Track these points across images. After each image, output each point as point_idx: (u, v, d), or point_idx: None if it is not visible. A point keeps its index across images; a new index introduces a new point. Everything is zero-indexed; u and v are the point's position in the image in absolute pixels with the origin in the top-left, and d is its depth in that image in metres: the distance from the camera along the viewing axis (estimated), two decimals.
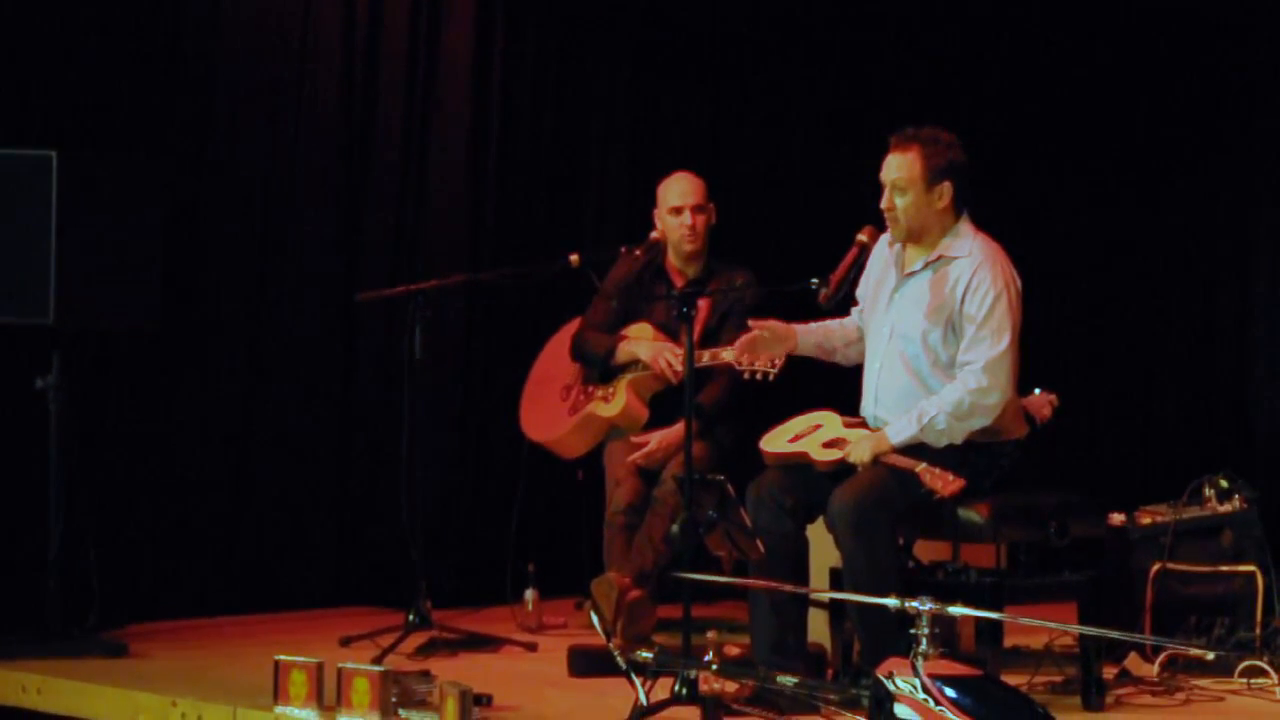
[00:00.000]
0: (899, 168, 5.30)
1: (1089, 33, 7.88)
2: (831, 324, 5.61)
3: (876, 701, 3.96)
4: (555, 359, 6.74)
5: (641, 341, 6.41)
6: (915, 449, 5.21)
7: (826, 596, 5.44)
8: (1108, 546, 5.94)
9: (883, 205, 5.34)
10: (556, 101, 7.63)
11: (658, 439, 6.25)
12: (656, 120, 7.78)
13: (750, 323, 5.49)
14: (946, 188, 5.31)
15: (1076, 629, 5.23)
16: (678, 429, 5.96)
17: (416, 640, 6.00)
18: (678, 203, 6.39)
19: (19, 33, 6.27)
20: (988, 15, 7.95)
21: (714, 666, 4.79)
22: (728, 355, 5.74)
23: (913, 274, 5.39)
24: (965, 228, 5.38)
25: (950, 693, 3.86)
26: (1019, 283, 5.36)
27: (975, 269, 5.29)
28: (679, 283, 6.44)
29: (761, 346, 5.45)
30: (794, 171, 8.01)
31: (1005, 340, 5.26)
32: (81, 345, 6.10)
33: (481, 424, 7.34)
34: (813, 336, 5.56)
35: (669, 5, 7.78)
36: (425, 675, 5.15)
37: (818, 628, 5.60)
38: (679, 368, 6.15)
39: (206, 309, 6.79)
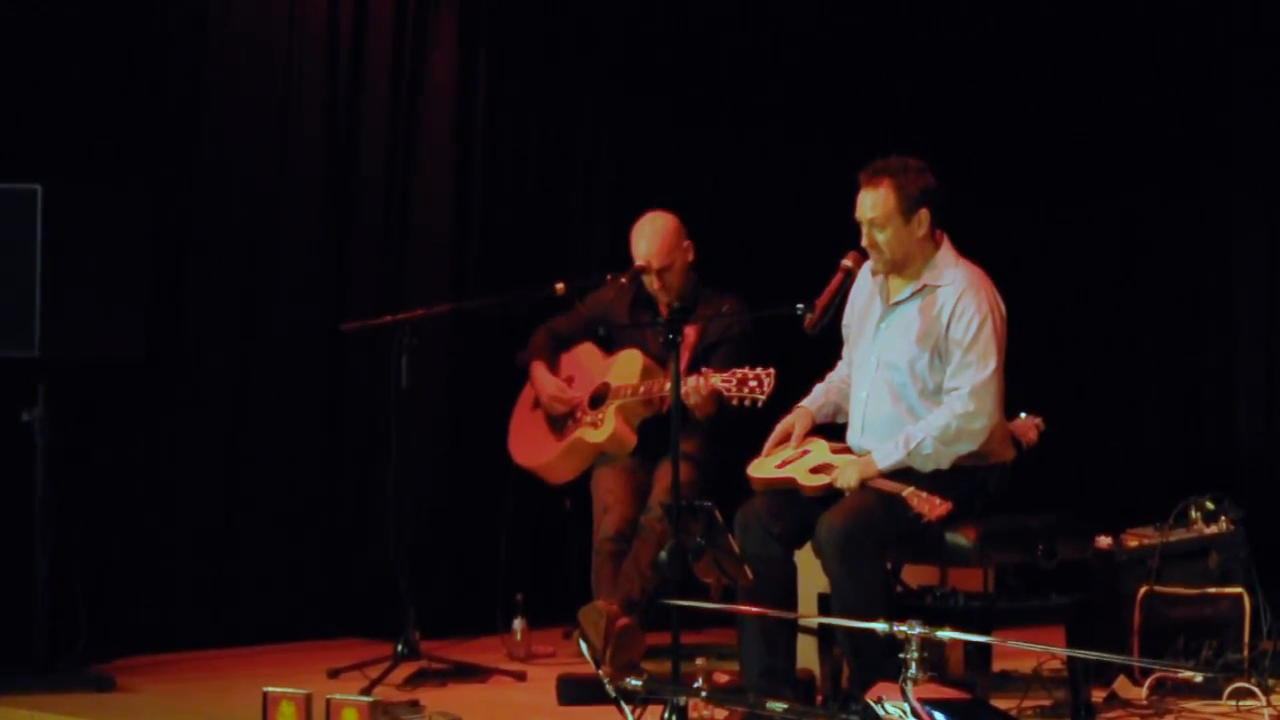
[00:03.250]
0: (874, 205, 5.31)
1: (1072, 58, 7.92)
2: (831, 386, 5.63)
3: None
4: None
5: (544, 380, 6.54)
6: (902, 473, 5.22)
7: (815, 622, 5.44)
8: (1095, 569, 5.94)
9: (864, 244, 5.35)
10: (540, 130, 7.65)
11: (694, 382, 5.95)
12: (640, 147, 7.80)
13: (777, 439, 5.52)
14: (924, 215, 5.33)
15: (1065, 652, 5.23)
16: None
17: (405, 671, 5.99)
18: (640, 263, 6.39)
19: (2, 66, 6.27)
20: (969, 40, 7.98)
21: (703, 693, 4.79)
22: (716, 381, 5.72)
23: (898, 304, 5.40)
24: (947, 255, 5.39)
25: (940, 717, 3.86)
26: (1003, 307, 5.38)
27: (960, 295, 5.31)
28: (663, 310, 6.46)
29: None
30: (778, 196, 8.03)
31: (991, 365, 5.28)
32: (67, 377, 6.09)
33: (468, 454, 7.33)
34: (826, 408, 5.61)
35: (651, 35, 7.81)
36: (414, 706, 5.15)
37: (807, 653, 5.60)
38: (560, 411, 6.43)
39: (192, 340, 6.78)
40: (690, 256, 6.45)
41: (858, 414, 5.45)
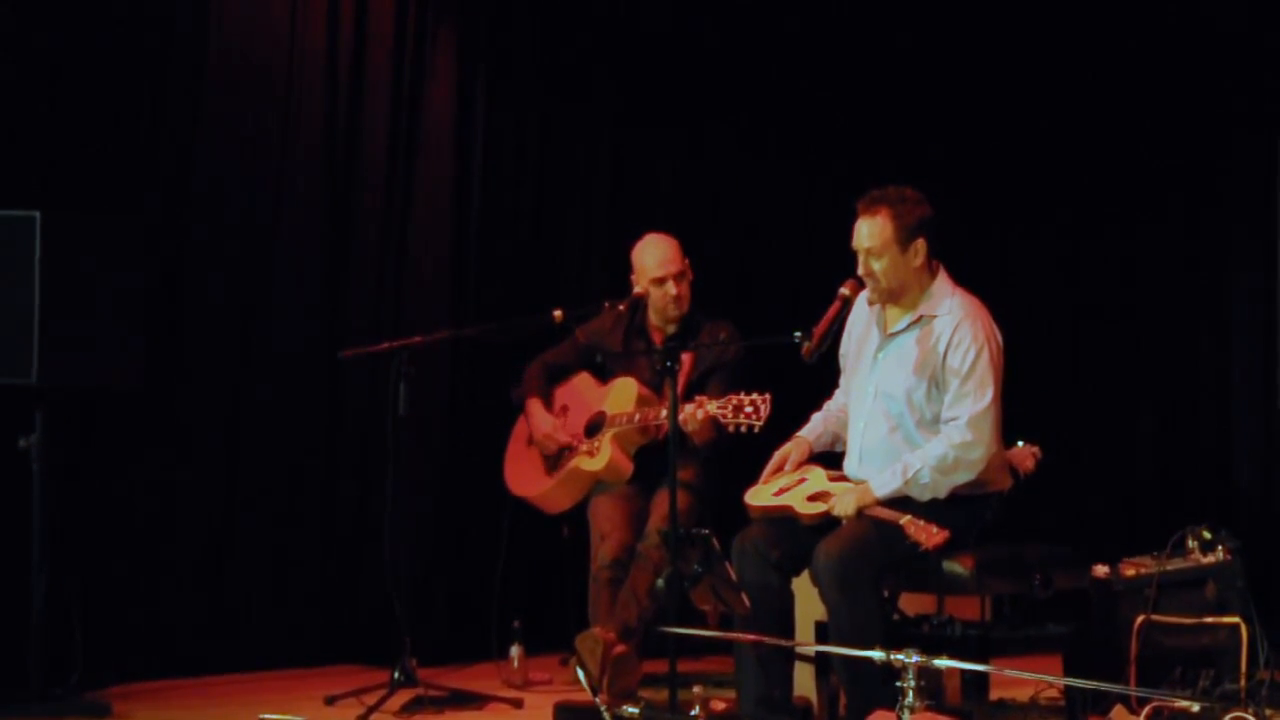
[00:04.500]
0: (870, 234, 5.32)
1: (1070, 84, 7.94)
2: (829, 414, 5.64)
3: None
4: None
5: (539, 419, 6.55)
6: (899, 502, 5.22)
7: (812, 650, 5.43)
8: (1092, 599, 5.94)
9: (860, 272, 5.36)
10: (538, 157, 7.66)
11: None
12: (638, 174, 7.82)
13: (774, 468, 5.52)
14: (920, 245, 5.33)
15: (1062, 681, 5.23)
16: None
17: (402, 698, 5.98)
18: (659, 273, 6.41)
19: (2, 94, 6.29)
20: (967, 67, 8.01)
21: None
22: (712, 408, 5.73)
23: (895, 334, 5.41)
24: (943, 285, 5.40)
25: None
26: (1000, 337, 5.38)
27: (956, 325, 5.32)
28: (658, 339, 6.47)
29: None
30: (775, 224, 8.04)
31: (988, 395, 5.28)
32: (65, 404, 6.09)
33: (466, 481, 7.33)
34: (825, 437, 5.62)
35: (651, 61, 7.83)
36: None
37: (804, 681, 5.59)
38: (552, 450, 6.46)
39: (190, 366, 6.78)
40: (691, 274, 6.49)
41: (855, 443, 5.45)
